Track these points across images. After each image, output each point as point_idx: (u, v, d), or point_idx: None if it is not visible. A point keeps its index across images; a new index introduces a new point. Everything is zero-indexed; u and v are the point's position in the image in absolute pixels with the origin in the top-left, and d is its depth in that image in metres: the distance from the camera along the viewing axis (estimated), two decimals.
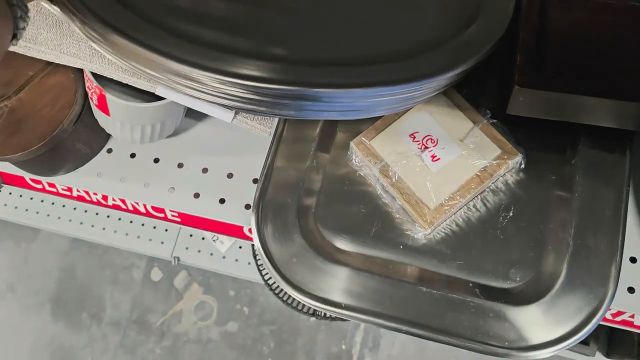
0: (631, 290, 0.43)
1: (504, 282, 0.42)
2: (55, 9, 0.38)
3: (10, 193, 1.06)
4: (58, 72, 0.47)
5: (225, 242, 0.97)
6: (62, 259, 1.15)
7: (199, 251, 0.98)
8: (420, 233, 0.43)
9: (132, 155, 0.51)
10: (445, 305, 0.42)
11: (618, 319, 0.44)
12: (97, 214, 1.02)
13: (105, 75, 0.39)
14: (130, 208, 0.51)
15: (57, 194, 0.53)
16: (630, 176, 0.43)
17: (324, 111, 0.39)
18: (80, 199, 0.52)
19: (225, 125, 0.45)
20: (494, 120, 0.45)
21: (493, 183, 0.44)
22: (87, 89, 0.44)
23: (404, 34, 0.43)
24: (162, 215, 0.50)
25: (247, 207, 0.47)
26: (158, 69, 0.37)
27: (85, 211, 1.02)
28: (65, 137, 0.46)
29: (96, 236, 1.01)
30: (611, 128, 0.42)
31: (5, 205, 1.05)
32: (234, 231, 0.49)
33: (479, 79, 0.45)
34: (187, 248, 0.98)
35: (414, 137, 0.45)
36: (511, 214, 0.44)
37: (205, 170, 0.49)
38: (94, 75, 0.41)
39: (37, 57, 0.41)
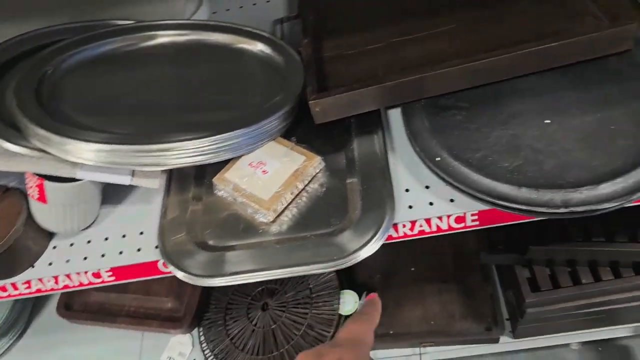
0: (410, 207, 0.65)
1: (328, 227, 0.64)
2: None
3: None
4: (8, 198, 0.69)
5: None
6: None
7: None
8: (267, 216, 0.64)
9: (71, 244, 0.71)
10: (295, 250, 0.62)
11: (415, 231, 0.65)
12: None
13: (37, 172, 0.62)
14: (76, 283, 0.70)
15: (20, 294, 0.71)
16: (385, 141, 0.69)
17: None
18: (38, 291, 0.71)
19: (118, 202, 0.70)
20: (301, 144, 0.70)
21: (313, 179, 0.68)
22: (28, 190, 0.66)
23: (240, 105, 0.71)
24: (100, 280, 0.69)
25: (156, 247, 0.68)
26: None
27: None
28: (19, 235, 0.67)
29: None
30: (369, 117, 0.68)
31: None
32: (153, 269, 0.68)
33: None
34: None
35: (252, 164, 0.68)
36: (324, 188, 0.67)
37: (124, 236, 0.70)
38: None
39: None
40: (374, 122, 0.71)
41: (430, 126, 0.67)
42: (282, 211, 0.65)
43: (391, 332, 1.05)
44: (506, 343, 1.03)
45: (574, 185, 0.58)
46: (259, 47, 0.76)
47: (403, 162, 0.68)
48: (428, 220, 0.64)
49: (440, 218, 0.64)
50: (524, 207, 0.58)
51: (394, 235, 0.65)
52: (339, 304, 1.03)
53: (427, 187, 0.66)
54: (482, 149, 0.64)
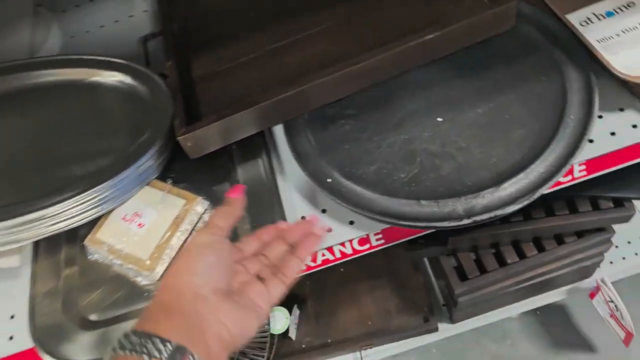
0: None
1: None
2: None
3: None
4: None
5: None
6: None
7: None
8: (150, 277, 0.57)
9: None
10: None
11: (318, 262, 0.60)
12: None
13: None
14: None
15: None
16: (272, 165, 0.62)
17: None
18: None
19: None
20: (179, 184, 0.62)
21: (199, 223, 0.60)
22: None
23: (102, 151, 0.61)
24: None
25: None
26: None
27: None
28: None
29: None
30: (252, 140, 0.60)
31: None
32: (34, 357, 0.59)
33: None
34: None
35: (125, 218, 0.60)
36: None
37: None
38: None
39: None
40: (257, 145, 0.64)
41: (316, 143, 0.61)
42: (169, 265, 0.57)
43: (329, 340, 1.00)
44: (446, 329, 1.00)
45: (474, 190, 0.54)
46: (117, 77, 0.67)
47: (295, 186, 0.62)
48: (330, 249, 0.58)
49: (342, 244, 0.58)
50: (425, 224, 0.53)
51: None
52: (269, 323, 0.97)
53: (323, 211, 0.60)
54: (376, 161, 0.59)
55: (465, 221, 0.52)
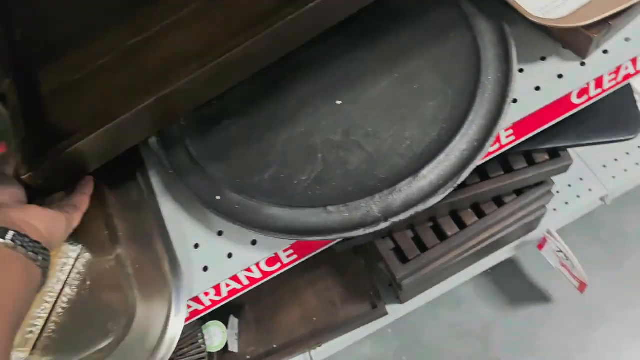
0: (206, 268, 0.49)
1: (106, 337, 0.46)
2: None
3: None
4: None
5: None
6: None
7: None
8: (17, 356, 0.46)
9: None
10: None
11: (224, 294, 0.50)
12: None
13: None
14: None
15: None
16: (151, 185, 0.51)
17: None
18: None
19: None
20: None
21: (71, 274, 0.49)
22: None
23: None
24: None
25: None
26: None
27: None
28: None
29: None
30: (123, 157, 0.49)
31: None
32: None
33: None
34: None
35: None
36: (89, 282, 0.49)
37: None
38: None
39: None
40: (130, 164, 0.53)
41: (198, 153, 0.50)
42: (37, 340, 0.47)
43: (275, 346, 0.92)
44: (397, 310, 0.94)
45: (389, 183, 0.45)
46: None
47: (183, 208, 0.52)
48: (235, 277, 0.49)
49: (248, 269, 0.49)
50: (336, 236, 0.44)
51: (200, 308, 0.49)
52: (204, 342, 0.88)
53: (220, 233, 0.50)
54: (271, 165, 0.49)
55: (383, 225, 0.43)
